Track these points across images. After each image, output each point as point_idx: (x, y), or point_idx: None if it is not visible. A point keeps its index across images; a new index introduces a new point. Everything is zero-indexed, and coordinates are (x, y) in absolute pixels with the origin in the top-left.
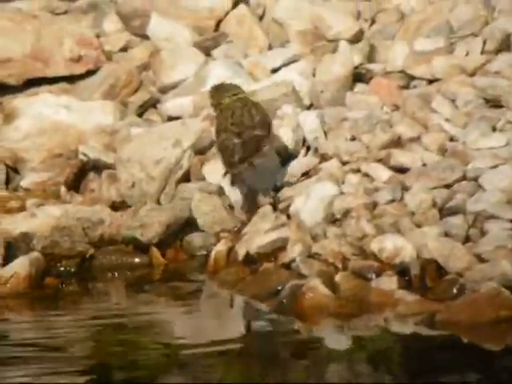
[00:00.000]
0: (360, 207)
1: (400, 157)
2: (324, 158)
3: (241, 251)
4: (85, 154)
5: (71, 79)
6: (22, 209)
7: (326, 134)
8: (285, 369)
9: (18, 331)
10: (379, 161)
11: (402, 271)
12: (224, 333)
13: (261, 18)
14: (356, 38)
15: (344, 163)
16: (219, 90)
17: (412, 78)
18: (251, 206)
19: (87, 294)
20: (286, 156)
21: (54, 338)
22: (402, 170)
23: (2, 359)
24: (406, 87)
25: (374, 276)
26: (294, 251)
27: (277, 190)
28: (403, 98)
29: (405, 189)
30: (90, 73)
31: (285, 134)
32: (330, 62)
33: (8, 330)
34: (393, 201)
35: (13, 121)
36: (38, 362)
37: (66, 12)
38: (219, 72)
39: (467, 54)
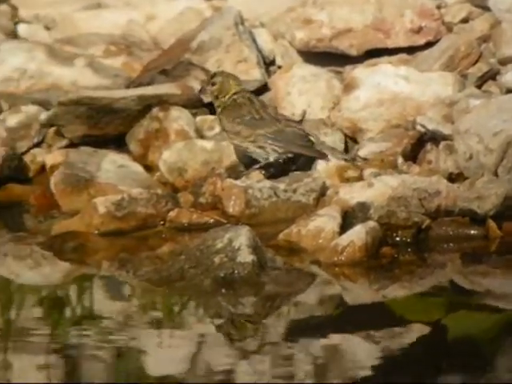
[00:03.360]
0: None
1: None
2: None
3: None
4: (423, 125)
5: (411, 50)
6: (360, 178)
7: None
8: None
9: (354, 299)
10: None
11: None
12: None
13: None
14: None
15: None
16: None
17: None
18: None
19: (423, 264)
20: None
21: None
22: None
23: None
24: None
25: None
26: None
27: None
28: None
29: None
30: (429, 44)
31: None
32: None
33: (346, 297)
34: None
35: (352, 91)
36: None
37: None
38: None
39: None
